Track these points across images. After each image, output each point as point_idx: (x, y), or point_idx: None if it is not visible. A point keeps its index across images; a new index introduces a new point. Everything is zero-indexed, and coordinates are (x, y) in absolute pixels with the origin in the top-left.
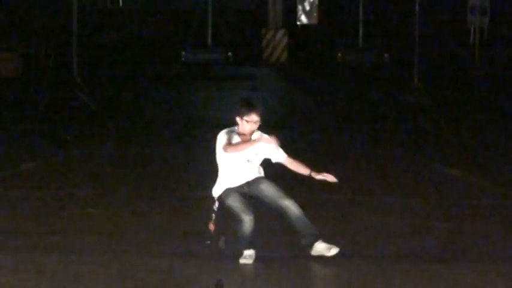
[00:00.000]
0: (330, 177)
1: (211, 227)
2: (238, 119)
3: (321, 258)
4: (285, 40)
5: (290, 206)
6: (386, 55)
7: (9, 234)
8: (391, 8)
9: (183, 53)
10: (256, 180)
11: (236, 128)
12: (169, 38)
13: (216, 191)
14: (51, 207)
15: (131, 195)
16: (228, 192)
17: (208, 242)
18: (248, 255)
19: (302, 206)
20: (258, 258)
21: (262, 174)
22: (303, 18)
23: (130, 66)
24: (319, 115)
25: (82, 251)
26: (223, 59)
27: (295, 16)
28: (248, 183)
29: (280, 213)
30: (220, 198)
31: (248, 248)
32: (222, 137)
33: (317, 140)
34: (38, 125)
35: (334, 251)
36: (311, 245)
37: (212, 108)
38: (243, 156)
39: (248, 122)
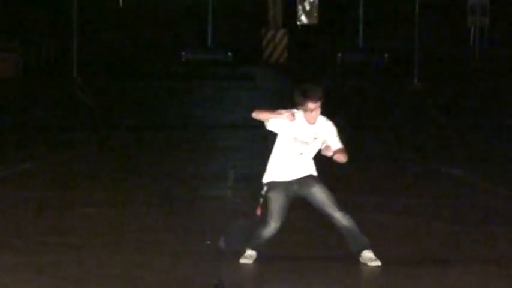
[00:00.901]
0: (330, 152)
1: (259, 211)
2: (299, 107)
3: (320, 258)
4: (285, 40)
5: (340, 218)
6: (386, 55)
7: (9, 234)
8: (391, 8)
9: (183, 53)
10: (308, 182)
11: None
12: (169, 38)
13: (266, 177)
14: (51, 207)
15: (131, 195)
16: (275, 186)
17: (209, 242)
18: (249, 256)
19: (304, 206)
20: (257, 258)
21: (314, 172)
22: (303, 18)
23: (130, 66)
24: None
25: (82, 251)
26: (223, 59)
27: (295, 16)
28: (299, 183)
29: (329, 221)
30: (268, 186)
31: (253, 248)
32: (291, 112)
33: None
34: (38, 125)
35: (375, 263)
36: (359, 252)
37: (212, 108)
38: (300, 137)
39: (306, 111)
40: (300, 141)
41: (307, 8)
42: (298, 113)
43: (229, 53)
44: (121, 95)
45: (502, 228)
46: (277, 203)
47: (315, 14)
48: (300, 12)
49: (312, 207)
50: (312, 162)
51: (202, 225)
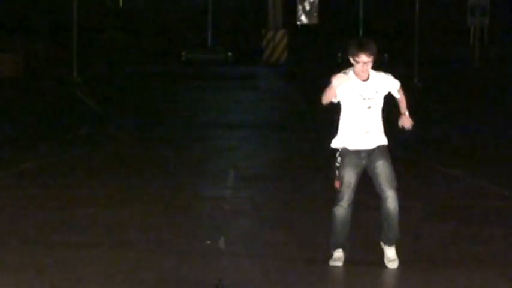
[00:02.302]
0: (407, 126)
1: (337, 184)
2: (350, 59)
3: (320, 258)
4: (285, 40)
5: (388, 198)
6: (386, 55)
7: (9, 234)
8: (391, 8)
9: (183, 53)
10: (377, 153)
11: (352, 69)
12: (169, 38)
13: (337, 142)
14: (51, 207)
15: (131, 195)
16: (346, 154)
17: (208, 242)
18: (337, 258)
19: (304, 207)
20: (257, 258)
21: (384, 140)
22: (303, 18)
23: (130, 66)
24: (319, 114)
25: (82, 250)
26: (223, 59)
27: (295, 16)
28: (368, 154)
29: (379, 198)
30: (340, 152)
31: (335, 248)
32: (332, 81)
33: (317, 139)
34: (38, 125)
35: (393, 264)
36: (384, 244)
37: (212, 108)
38: (362, 93)
39: (358, 63)
40: (362, 98)
41: (307, 8)
42: (349, 72)
43: (229, 53)
44: (121, 95)
45: (502, 229)
46: (349, 180)
47: (315, 14)
48: (300, 12)
49: (370, 181)
50: (380, 125)
51: (202, 225)
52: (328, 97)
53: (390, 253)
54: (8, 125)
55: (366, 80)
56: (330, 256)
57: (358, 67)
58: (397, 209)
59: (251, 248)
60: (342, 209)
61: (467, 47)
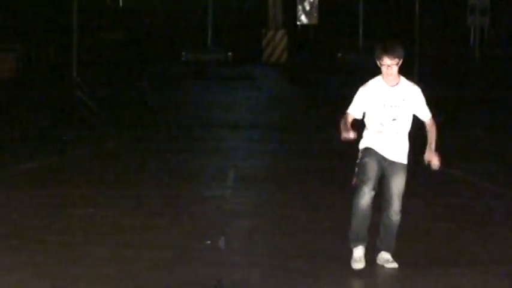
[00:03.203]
0: (435, 162)
1: (354, 180)
2: (378, 63)
3: (320, 258)
4: (285, 40)
5: (394, 212)
6: None
7: (8, 234)
8: (391, 8)
9: (183, 53)
10: (397, 167)
11: (381, 75)
12: (169, 38)
13: (362, 144)
14: (51, 207)
15: (131, 195)
16: (371, 153)
17: (209, 242)
18: (358, 258)
19: (304, 207)
20: (257, 258)
21: (406, 159)
22: (303, 18)
23: (130, 66)
24: (319, 114)
25: (82, 250)
26: (223, 59)
27: (295, 16)
28: (390, 163)
29: (382, 208)
30: (363, 152)
31: (356, 243)
32: (357, 93)
33: (317, 139)
34: (37, 125)
35: (392, 265)
36: (379, 251)
37: (212, 108)
38: (388, 101)
39: (382, 66)
40: (389, 105)
41: (307, 8)
42: (376, 80)
43: (229, 53)
44: (121, 95)
45: (502, 228)
46: (371, 168)
47: (315, 14)
48: (300, 12)
49: (379, 190)
50: (406, 144)
51: (202, 225)
52: (345, 130)
53: (387, 256)
54: (8, 125)
55: (394, 86)
56: (351, 258)
57: (383, 70)
58: (398, 221)
59: (251, 248)
60: (365, 198)
61: (467, 47)
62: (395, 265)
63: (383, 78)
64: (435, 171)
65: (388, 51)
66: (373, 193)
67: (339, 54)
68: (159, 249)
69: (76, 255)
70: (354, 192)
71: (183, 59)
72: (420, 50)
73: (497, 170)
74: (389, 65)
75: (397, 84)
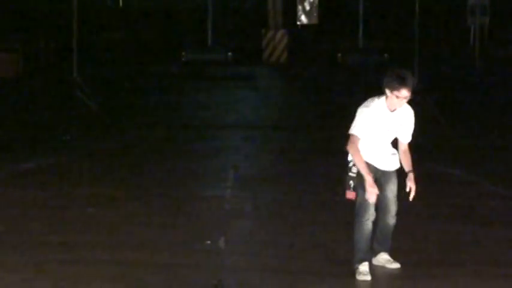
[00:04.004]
0: (412, 193)
1: (352, 195)
2: (387, 91)
3: (320, 258)
4: (285, 40)
5: (391, 216)
6: (386, 55)
7: (9, 234)
8: (391, 8)
9: (183, 53)
10: (390, 176)
11: (384, 98)
12: (169, 38)
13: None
14: (51, 207)
15: (131, 195)
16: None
17: (209, 242)
18: (365, 272)
19: (304, 207)
20: (257, 258)
21: (396, 163)
22: (303, 18)
23: (130, 66)
24: (320, 114)
25: (82, 250)
26: (223, 59)
27: (295, 16)
28: (382, 171)
29: (377, 211)
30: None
31: (362, 261)
32: (360, 114)
33: (317, 139)
34: (38, 125)
35: (394, 265)
36: (377, 253)
37: (212, 108)
38: (389, 127)
39: (398, 98)
40: (387, 129)
41: (307, 8)
42: (380, 104)
43: (229, 53)
44: (121, 95)
45: (502, 229)
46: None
47: (315, 14)
48: (300, 12)
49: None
50: (394, 151)
51: (202, 225)
52: (370, 186)
53: (387, 257)
54: (8, 125)
55: (394, 110)
56: (356, 270)
57: (395, 101)
58: (394, 224)
59: (251, 248)
60: (369, 223)
61: (467, 47)
62: (397, 265)
63: (387, 104)
64: (435, 171)
65: (408, 84)
66: (374, 215)
67: (339, 54)
68: (159, 249)
69: (76, 255)
70: (356, 215)
71: (183, 59)
72: (420, 50)
73: (497, 170)
74: (406, 97)
75: (396, 109)
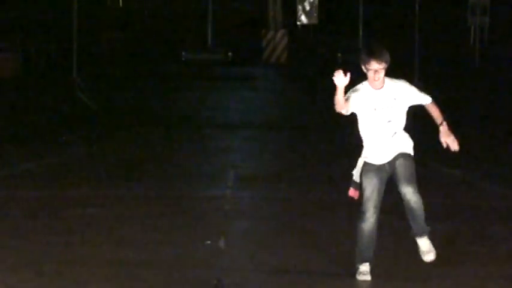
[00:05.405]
0: (454, 145)
1: (355, 193)
2: (363, 68)
3: (320, 258)
4: (285, 40)
5: (407, 194)
6: None
7: (8, 234)
8: (391, 8)
9: (183, 53)
10: (399, 157)
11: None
12: (169, 38)
13: (362, 158)
14: (51, 207)
15: (131, 195)
16: (367, 169)
17: (209, 242)
18: (365, 272)
19: (304, 207)
20: (257, 258)
21: (409, 149)
22: (303, 18)
23: (130, 66)
24: (319, 114)
25: (82, 250)
26: (223, 59)
27: (295, 16)
28: (392, 160)
29: (401, 196)
30: (363, 168)
31: (362, 262)
32: (348, 95)
33: (317, 139)
34: (37, 125)
35: (429, 257)
36: (417, 236)
37: (212, 108)
38: (379, 104)
39: (369, 71)
40: (380, 108)
41: (307, 8)
42: (363, 85)
43: (229, 53)
44: (121, 95)
45: (502, 228)
46: (371, 189)
47: (315, 14)
48: (300, 12)
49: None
50: (405, 137)
51: (202, 225)
52: (338, 101)
53: (423, 245)
54: (8, 125)
55: (381, 88)
56: (356, 270)
57: (370, 75)
58: (418, 202)
59: (251, 248)
60: (368, 223)
61: (467, 47)
62: (431, 257)
63: (369, 83)
64: (435, 171)
65: (375, 55)
66: (376, 216)
67: (339, 54)
68: (159, 249)
69: (76, 255)
70: (358, 215)
71: (183, 59)
72: (420, 50)
73: (497, 170)
74: (377, 69)
75: (382, 86)
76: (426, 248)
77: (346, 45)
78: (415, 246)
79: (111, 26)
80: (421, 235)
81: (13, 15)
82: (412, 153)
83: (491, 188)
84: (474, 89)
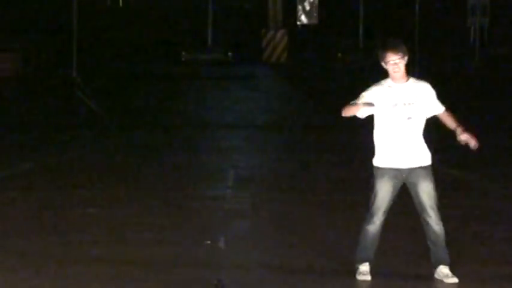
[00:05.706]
0: (473, 143)
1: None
2: (382, 64)
3: (320, 258)
4: (285, 40)
5: (432, 222)
6: None
7: (9, 234)
8: (391, 8)
9: (183, 53)
10: (419, 174)
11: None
12: (169, 38)
13: (376, 160)
14: (51, 207)
15: (131, 195)
16: (382, 174)
17: (209, 242)
18: (365, 271)
19: (304, 206)
20: (257, 258)
21: (427, 159)
22: (303, 18)
23: (130, 66)
24: (319, 114)
25: (82, 250)
26: (223, 59)
27: (295, 16)
28: (409, 172)
29: (422, 222)
30: (375, 171)
31: (362, 261)
32: (370, 89)
33: (317, 139)
34: (37, 125)
35: (452, 280)
36: (435, 266)
37: (212, 108)
38: (400, 100)
39: (387, 64)
40: (402, 103)
41: (307, 8)
42: (385, 80)
43: (229, 53)
44: (121, 95)
45: (502, 228)
46: (381, 193)
47: (315, 14)
48: (300, 12)
49: (412, 201)
50: (424, 146)
51: (202, 225)
52: (351, 112)
53: (446, 271)
54: (8, 125)
55: (404, 83)
56: (356, 269)
57: (389, 69)
58: (442, 230)
59: (251, 248)
60: (374, 226)
61: (467, 47)
62: (455, 280)
63: (391, 78)
64: (436, 172)
65: (390, 46)
66: (383, 219)
67: (339, 54)
68: (159, 249)
69: (76, 255)
70: (365, 216)
71: (182, 59)
72: (420, 50)
73: (497, 170)
74: (395, 61)
75: (405, 81)
76: (449, 273)
77: (346, 45)
78: (415, 246)
79: (111, 26)
80: (444, 264)
81: (13, 15)
82: (429, 165)
83: (492, 188)
84: (474, 89)
